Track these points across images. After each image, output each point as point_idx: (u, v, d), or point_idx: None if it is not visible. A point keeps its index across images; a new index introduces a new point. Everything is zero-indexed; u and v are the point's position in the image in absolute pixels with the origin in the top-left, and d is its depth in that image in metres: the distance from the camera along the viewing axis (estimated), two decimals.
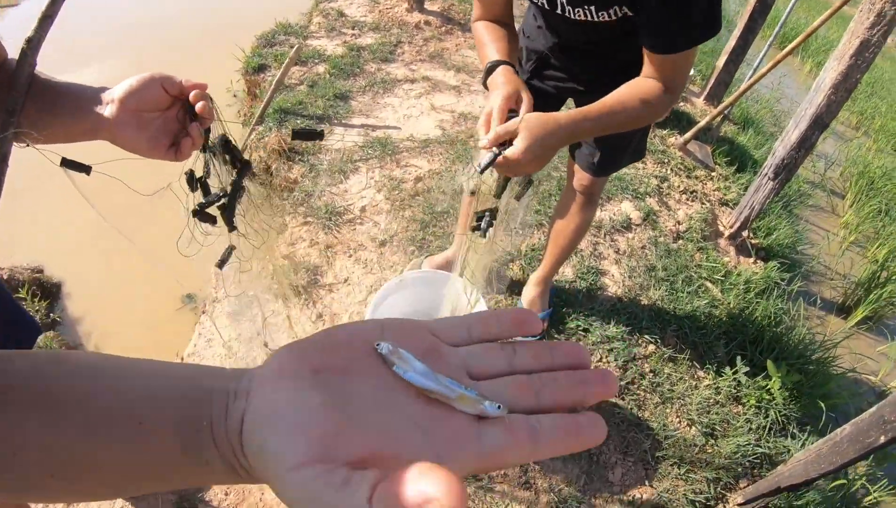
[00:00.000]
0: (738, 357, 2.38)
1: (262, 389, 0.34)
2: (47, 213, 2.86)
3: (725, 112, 3.66)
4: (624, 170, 3.05)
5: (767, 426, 2.22)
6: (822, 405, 2.30)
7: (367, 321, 0.40)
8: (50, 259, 2.63)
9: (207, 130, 0.88)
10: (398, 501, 0.27)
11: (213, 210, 0.94)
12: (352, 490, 0.29)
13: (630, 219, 3.00)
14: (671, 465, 2.04)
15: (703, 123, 3.60)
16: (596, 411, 1.96)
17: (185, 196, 0.93)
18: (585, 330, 2.37)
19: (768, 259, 3.09)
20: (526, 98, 1.23)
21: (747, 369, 2.31)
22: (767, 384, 2.30)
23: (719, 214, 3.31)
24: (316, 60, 4.02)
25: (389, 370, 0.36)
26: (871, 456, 1.67)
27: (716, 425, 2.17)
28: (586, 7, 1.29)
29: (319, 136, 0.99)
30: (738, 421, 2.19)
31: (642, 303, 2.56)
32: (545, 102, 1.71)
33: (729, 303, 2.67)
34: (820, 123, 2.54)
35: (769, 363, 2.33)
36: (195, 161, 0.92)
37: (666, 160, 3.54)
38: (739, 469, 2.08)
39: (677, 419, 2.17)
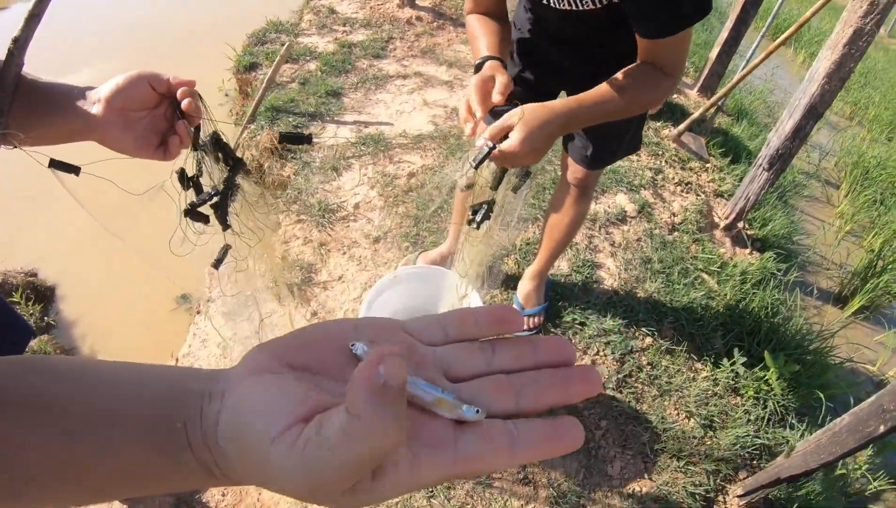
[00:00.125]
0: (736, 349, 2.38)
1: (237, 389, 0.34)
2: (39, 216, 2.84)
3: (719, 103, 3.66)
4: (618, 162, 3.04)
5: (766, 417, 2.22)
6: (821, 395, 2.30)
7: (341, 320, 0.39)
8: (44, 262, 2.62)
9: (197, 129, 0.86)
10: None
11: (205, 209, 0.93)
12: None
13: (625, 211, 3.00)
14: (670, 458, 2.03)
15: (696, 114, 3.59)
16: (594, 404, 1.96)
17: (179, 195, 0.92)
18: (582, 324, 2.36)
19: (764, 250, 3.09)
20: (500, 79, 1.20)
21: (745, 360, 2.31)
22: (765, 375, 2.30)
23: (714, 205, 3.31)
24: (307, 58, 4.00)
25: None
26: (871, 446, 1.67)
27: (714, 417, 2.17)
28: None
29: (307, 140, 0.97)
30: (736, 413, 2.19)
31: (638, 296, 2.55)
32: (537, 94, 1.69)
33: (725, 294, 2.67)
34: (814, 113, 2.54)
35: (767, 354, 2.33)
36: (186, 160, 0.90)
37: (660, 152, 3.53)
38: (739, 461, 2.08)
39: (675, 412, 2.17)
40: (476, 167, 1.12)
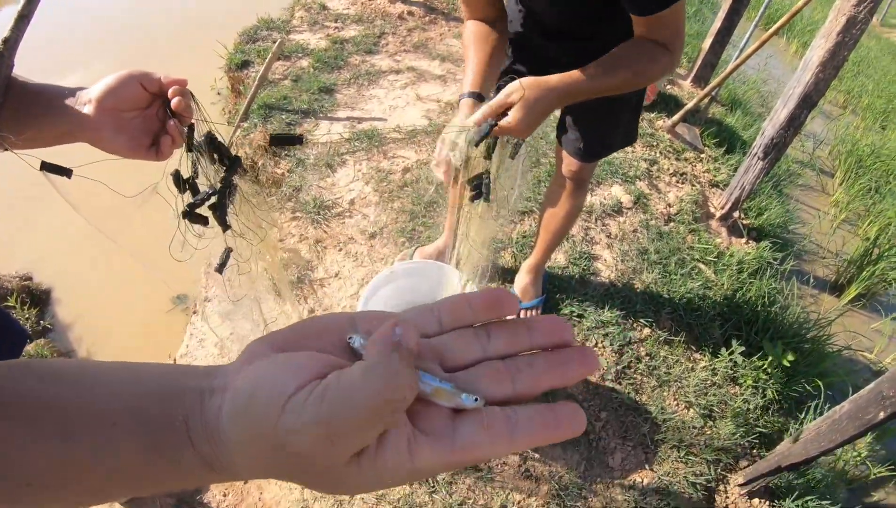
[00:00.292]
0: (734, 338, 2.38)
1: (237, 380, 0.34)
2: (35, 218, 2.82)
3: (713, 94, 3.65)
4: (613, 154, 3.04)
5: (765, 406, 2.22)
6: (820, 383, 2.31)
7: (337, 313, 0.39)
8: (39, 265, 2.60)
9: (191, 129, 0.85)
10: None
11: (204, 210, 0.91)
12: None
13: (621, 203, 2.99)
14: (671, 448, 2.04)
15: (690, 105, 3.59)
16: (594, 395, 1.96)
17: (175, 197, 0.90)
18: (580, 316, 2.36)
19: (760, 239, 3.09)
20: (479, 114, 1.19)
21: (743, 349, 2.31)
22: (764, 364, 2.31)
23: (710, 195, 3.31)
24: (299, 55, 3.98)
25: None
26: (871, 433, 1.68)
27: (713, 406, 2.17)
28: None
29: (299, 140, 0.96)
30: (735, 402, 2.19)
31: (636, 287, 2.56)
32: None
33: (723, 284, 2.67)
34: (808, 102, 2.54)
35: (765, 343, 2.34)
36: (181, 161, 0.89)
37: (655, 143, 3.53)
38: (739, 450, 2.09)
39: (675, 402, 2.18)
40: (477, 144, 1.12)
